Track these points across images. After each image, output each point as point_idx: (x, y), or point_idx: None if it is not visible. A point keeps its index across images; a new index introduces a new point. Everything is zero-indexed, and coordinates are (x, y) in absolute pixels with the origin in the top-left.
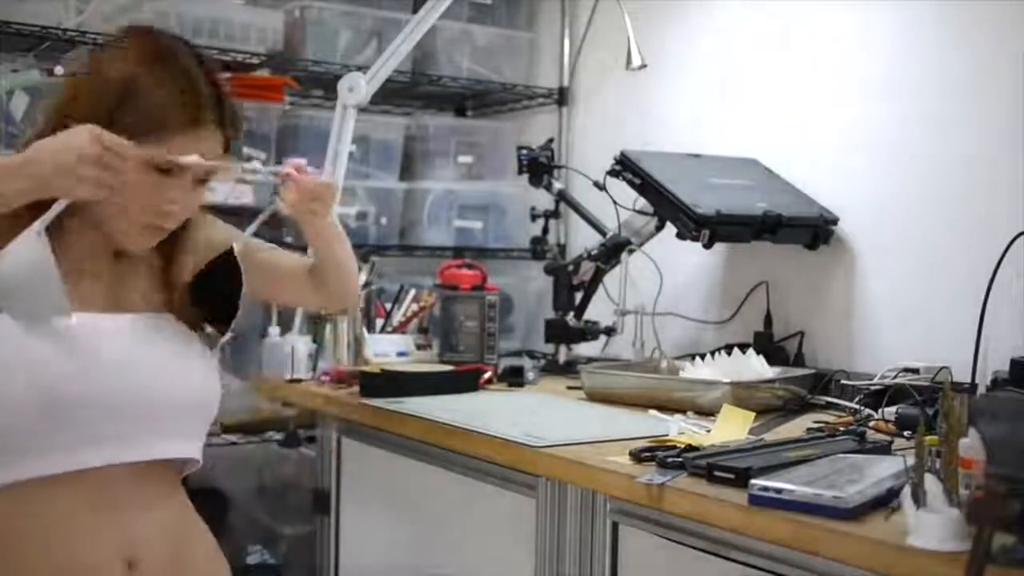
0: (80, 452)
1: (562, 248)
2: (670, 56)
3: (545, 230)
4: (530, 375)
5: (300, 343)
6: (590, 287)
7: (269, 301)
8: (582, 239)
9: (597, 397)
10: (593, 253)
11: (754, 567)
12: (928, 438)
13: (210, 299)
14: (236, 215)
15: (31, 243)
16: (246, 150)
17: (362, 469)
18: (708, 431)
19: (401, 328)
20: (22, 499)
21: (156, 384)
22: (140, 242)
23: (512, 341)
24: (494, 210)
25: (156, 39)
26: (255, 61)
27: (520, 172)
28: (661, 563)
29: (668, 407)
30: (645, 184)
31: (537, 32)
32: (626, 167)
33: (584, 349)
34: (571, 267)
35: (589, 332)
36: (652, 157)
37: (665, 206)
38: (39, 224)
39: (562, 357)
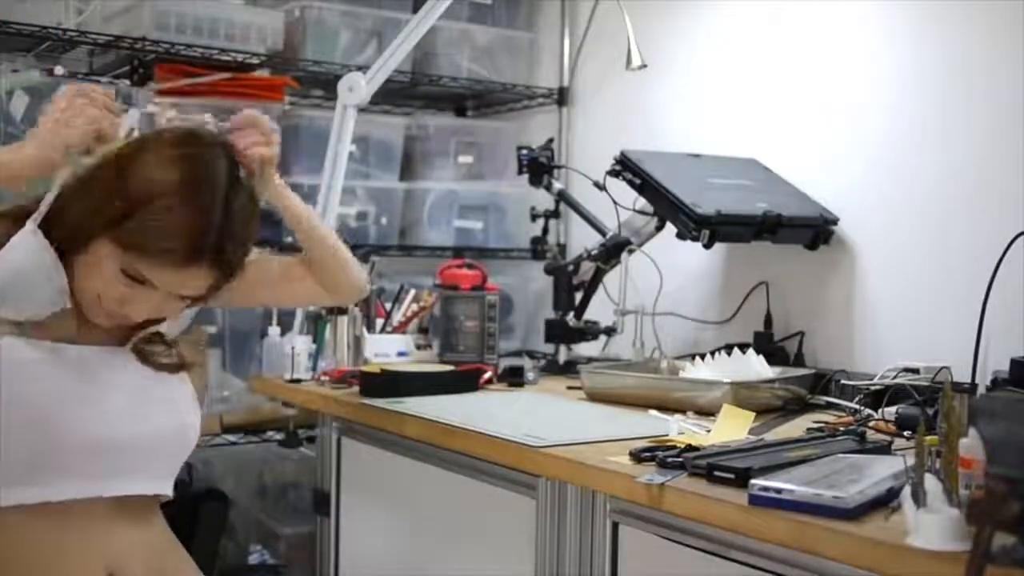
0: (62, 485)
1: (562, 248)
2: (670, 56)
3: (545, 230)
4: (530, 375)
5: (300, 343)
6: (590, 287)
7: (272, 306)
8: (582, 239)
9: (597, 397)
10: (593, 253)
11: (754, 567)
12: (928, 438)
13: None
14: None
15: (27, 240)
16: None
17: (362, 469)
18: (708, 431)
19: (401, 328)
20: (6, 523)
21: (139, 424)
22: (105, 322)
23: (512, 341)
24: (494, 210)
25: (197, 161)
26: (255, 61)
27: (520, 172)
28: (661, 563)
29: (668, 407)
30: (645, 184)
31: (537, 32)
32: (626, 167)
33: (584, 349)
34: (571, 267)
35: (589, 332)
36: (652, 157)
37: (665, 206)
38: (31, 223)
39: (562, 357)
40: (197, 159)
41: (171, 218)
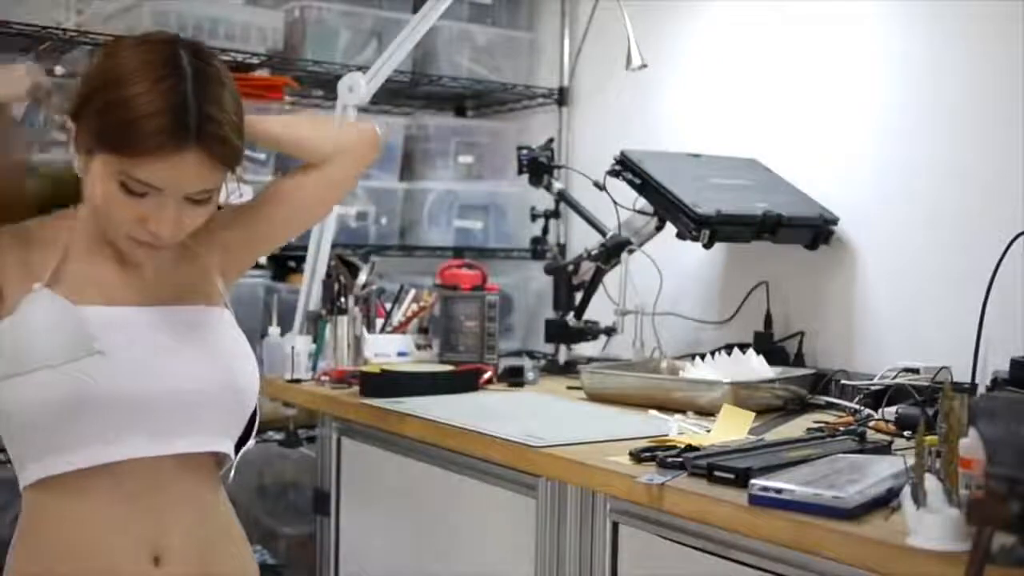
0: (106, 447)
1: (562, 248)
2: (670, 56)
3: (545, 230)
4: (530, 375)
5: (300, 343)
6: (590, 287)
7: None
8: (582, 239)
9: (597, 397)
10: (593, 253)
11: (754, 567)
12: (928, 438)
13: None
14: None
15: (40, 300)
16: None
17: (362, 469)
18: (708, 431)
19: (401, 328)
20: (52, 494)
21: (183, 381)
22: (139, 256)
23: (512, 341)
24: (494, 210)
25: (162, 48)
26: (255, 61)
27: (520, 172)
28: (661, 563)
29: (668, 407)
30: (645, 184)
31: (537, 32)
32: (626, 167)
33: (584, 349)
34: (571, 267)
35: (589, 332)
36: (652, 157)
37: (665, 206)
38: (38, 285)
39: (562, 357)
40: (154, 44)
41: (142, 103)
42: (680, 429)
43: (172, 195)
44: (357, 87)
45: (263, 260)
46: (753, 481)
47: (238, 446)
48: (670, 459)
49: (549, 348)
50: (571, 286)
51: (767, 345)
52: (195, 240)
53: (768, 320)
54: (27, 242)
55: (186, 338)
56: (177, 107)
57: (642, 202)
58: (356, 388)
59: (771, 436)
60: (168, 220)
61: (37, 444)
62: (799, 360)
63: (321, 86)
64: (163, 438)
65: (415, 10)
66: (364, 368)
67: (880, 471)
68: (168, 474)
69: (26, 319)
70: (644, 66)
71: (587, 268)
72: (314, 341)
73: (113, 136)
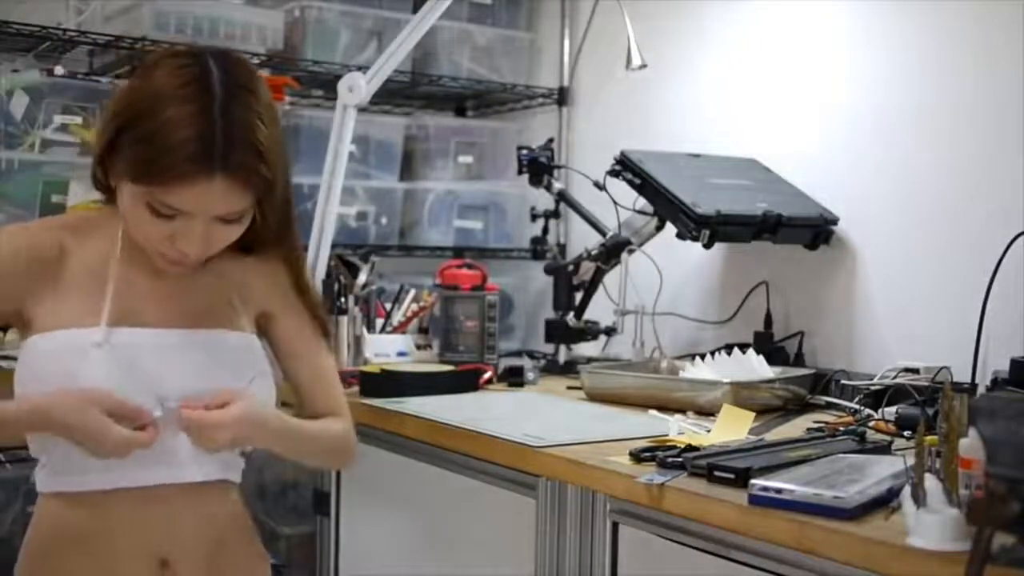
0: (122, 474)
1: (562, 248)
2: (670, 56)
3: (545, 230)
4: (530, 375)
5: None
6: (590, 287)
7: None
8: (582, 239)
9: (597, 397)
10: (593, 253)
11: (754, 567)
12: (928, 438)
13: None
14: None
15: (100, 358)
16: None
17: (362, 469)
18: (708, 431)
19: (401, 328)
20: (63, 500)
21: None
22: (172, 270)
23: (512, 341)
24: (494, 210)
25: (191, 70)
26: (255, 61)
27: (520, 172)
28: (661, 563)
29: (668, 407)
30: (645, 184)
31: (537, 32)
32: (626, 167)
33: (584, 349)
34: (571, 267)
35: (589, 332)
36: (652, 157)
37: (665, 206)
38: (99, 337)
39: (562, 357)
40: (183, 68)
41: (168, 133)
42: (680, 429)
43: (200, 217)
44: (357, 87)
45: None
46: (753, 481)
47: None
48: (670, 459)
49: (549, 348)
50: (571, 286)
51: (767, 345)
52: (240, 279)
53: (768, 320)
54: (55, 255)
55: (207, 366)
56: (204, 134)
57: (642, 202)
58: (356, 388)
59: (771, 436)
60: (196, 239)
61: (57, 462)
62: (799, 360)
63: (321, 86)
64: (179, 469)
65: (415, 10)
66: (364, 368)
67: (880, 471)
68: (183, 487)
69: (88, 375)
70: (644, 66)
71: (587, 268)
72: None
73: (140, 168)
